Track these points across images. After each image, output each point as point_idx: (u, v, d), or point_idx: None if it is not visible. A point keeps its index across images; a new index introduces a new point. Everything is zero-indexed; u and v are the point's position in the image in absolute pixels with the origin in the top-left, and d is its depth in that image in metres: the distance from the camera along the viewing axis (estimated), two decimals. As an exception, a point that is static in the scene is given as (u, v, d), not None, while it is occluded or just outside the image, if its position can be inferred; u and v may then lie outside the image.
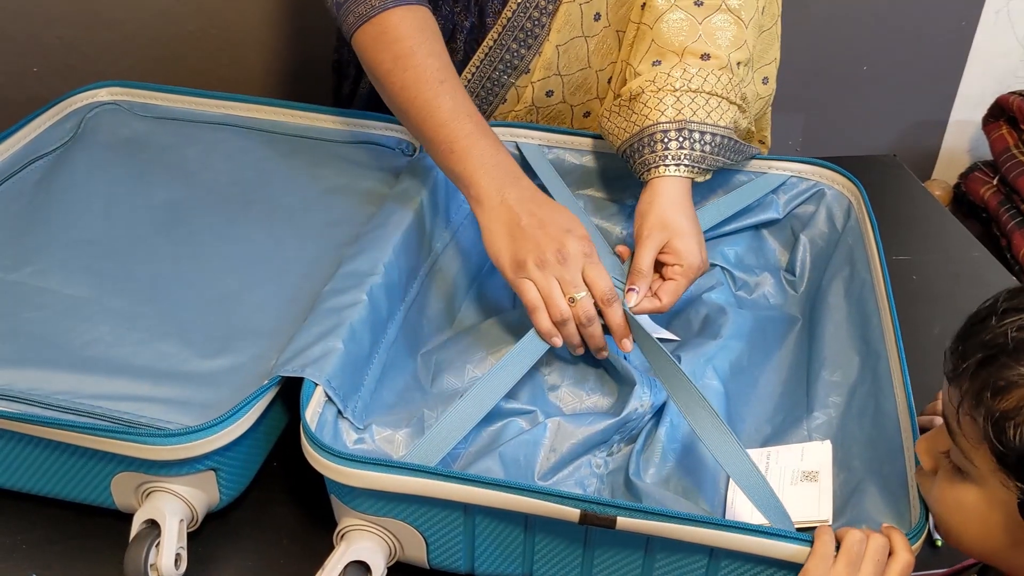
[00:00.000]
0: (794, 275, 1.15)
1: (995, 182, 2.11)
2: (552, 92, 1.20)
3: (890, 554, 0.75)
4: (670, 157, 1.04)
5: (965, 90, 2.18)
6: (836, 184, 1.16)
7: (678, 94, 1.05)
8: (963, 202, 2.20)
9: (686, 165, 1.04)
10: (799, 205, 1.17)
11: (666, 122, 1.05)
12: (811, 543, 0.74)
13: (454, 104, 0.99)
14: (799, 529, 0.82)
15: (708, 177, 1.08)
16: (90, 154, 1.17)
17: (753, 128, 1.24)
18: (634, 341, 0.95)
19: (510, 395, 0.94)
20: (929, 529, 0.78)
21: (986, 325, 0.69)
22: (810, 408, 0.97)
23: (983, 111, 2.15)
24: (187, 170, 1.16)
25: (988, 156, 2.16)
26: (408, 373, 0.97)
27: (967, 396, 0.69)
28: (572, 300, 0.92)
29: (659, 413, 0.95)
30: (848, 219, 1.14)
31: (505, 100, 1.22)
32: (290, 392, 0.86)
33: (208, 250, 1.04)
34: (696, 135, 1.04)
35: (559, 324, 0.93)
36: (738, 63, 1.09)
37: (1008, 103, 2.07)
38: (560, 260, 0.92)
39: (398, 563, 0.84)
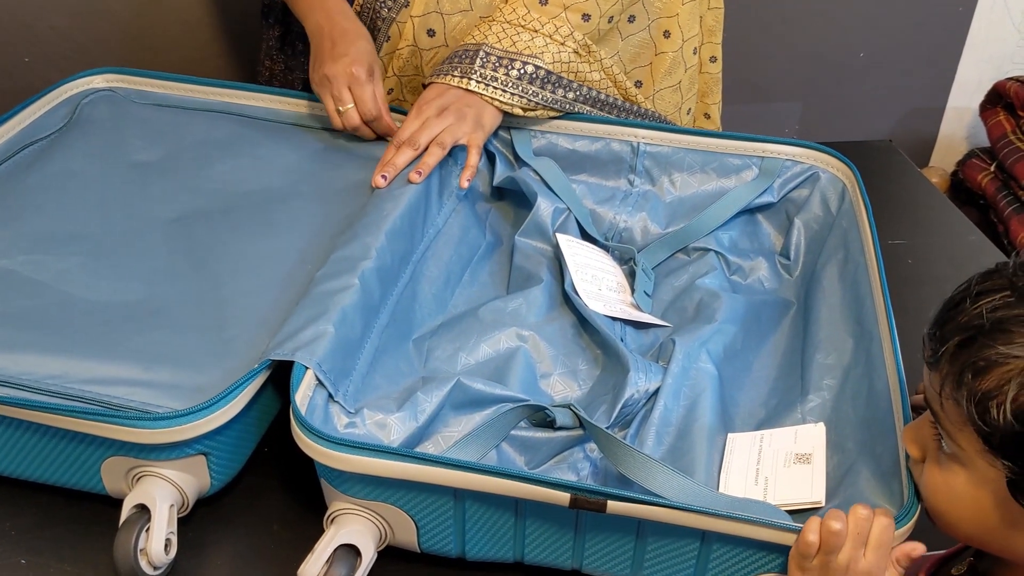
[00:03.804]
0: (789, 259, 1.15)
1: (992, 169, 2.10)
2: (433, 32, 1.21)
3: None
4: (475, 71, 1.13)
5: (962, 76, 2.18)
6: (830, 167, 1.16)
7: (503, 25, 1.14)
8: (960, 189, 2.20)
9: (477, 81, 1.13)
10: (794, 189, 1.17)
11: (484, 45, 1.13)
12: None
13: None
14: (793, 511, 0.82)
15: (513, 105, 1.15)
16: (86, 142, 1.17)
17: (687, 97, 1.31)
18: None
19: (502, 384, 0.93)
20: None
21: (961, 308, 0.69)
22: (804, 391, 0.96)
23: (980, 98, 2.14)
24: (181, 158, 1.15)
25: (985, 143, 2.15)
26: (401, 358, 0.97)
27: (948, 379, 0.68)
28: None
29: (653, 397, 0.94)
30: (842, 202, 1.13)
31: (388, 37, 1.24)
32: (283, 378, 0.86)
33: (201, 237, 1.03)
34: (493, 59, 1.12)
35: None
36: (583, 15, 1.15)
37: (1005, 89, 2.06)
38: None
39: (388, 547, 0.83)
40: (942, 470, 0.73)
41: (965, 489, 0.71)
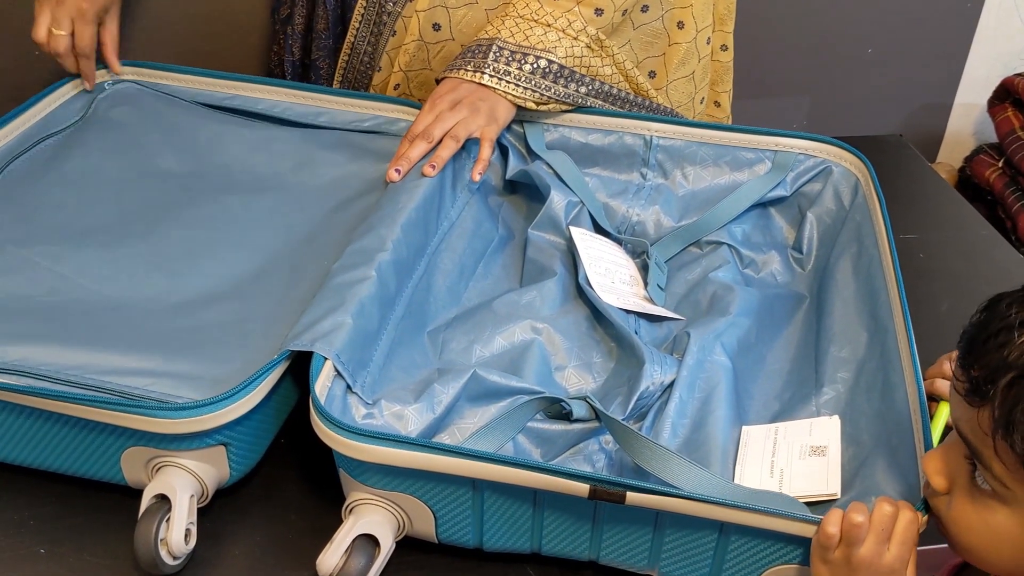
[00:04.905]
0: (801, 253, 1.15)
1: (1000, 165, 2.10)
2: (439, 26, 1.21)
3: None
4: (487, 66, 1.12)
5: (970, 72, 2.17)
6: (843, 161, 1.16)
7: (516, 20, 1.14)
8: (968, 185, 2.19)
9: (490, 75, 1.12)
10: (806, 183, 1.17)
11: (495, 39, 1.13)
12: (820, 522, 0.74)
13: None
14: (808, 503, 0.82)
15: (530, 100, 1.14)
16: (102, 136, 1.17)
17: (695, 86, 1.30)
18: None
19: (517, 375, 0.94)
20: None
21: (1002, 340, 0.65)
22: (819, 384, 0.97)
23: (988, 94, 2.14)
24: (198, 152, 1.16)
25: (993, 139, 2.15)
26: (416, 350, 0.97)
27: (1000, 421, 0.64)
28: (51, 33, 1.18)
29: (668, 390, 0.95)
30: (855, 196, 1.13)
31: (395, 32, 1.24)
32: (300, 370, 0.86)
33: (219, 231, 1.04)
34: (506, 53, 1.12)
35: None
36: (596, 9, 1.15)
37: (1014, 85, 2.06)
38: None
39: (406, 537, 0.84)
40: (976, 505, 0.69)
41: (1007, 527, 0.68)
